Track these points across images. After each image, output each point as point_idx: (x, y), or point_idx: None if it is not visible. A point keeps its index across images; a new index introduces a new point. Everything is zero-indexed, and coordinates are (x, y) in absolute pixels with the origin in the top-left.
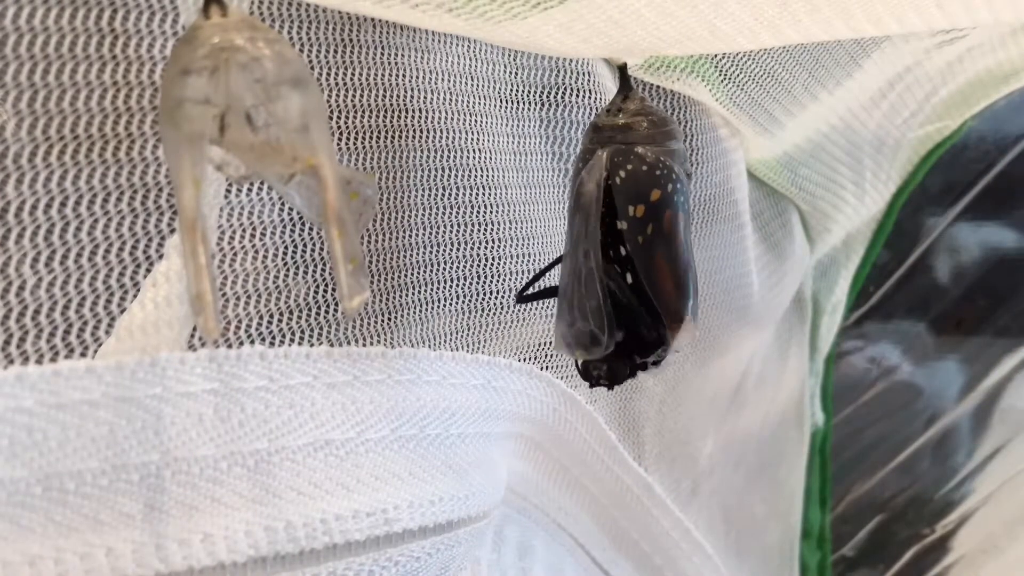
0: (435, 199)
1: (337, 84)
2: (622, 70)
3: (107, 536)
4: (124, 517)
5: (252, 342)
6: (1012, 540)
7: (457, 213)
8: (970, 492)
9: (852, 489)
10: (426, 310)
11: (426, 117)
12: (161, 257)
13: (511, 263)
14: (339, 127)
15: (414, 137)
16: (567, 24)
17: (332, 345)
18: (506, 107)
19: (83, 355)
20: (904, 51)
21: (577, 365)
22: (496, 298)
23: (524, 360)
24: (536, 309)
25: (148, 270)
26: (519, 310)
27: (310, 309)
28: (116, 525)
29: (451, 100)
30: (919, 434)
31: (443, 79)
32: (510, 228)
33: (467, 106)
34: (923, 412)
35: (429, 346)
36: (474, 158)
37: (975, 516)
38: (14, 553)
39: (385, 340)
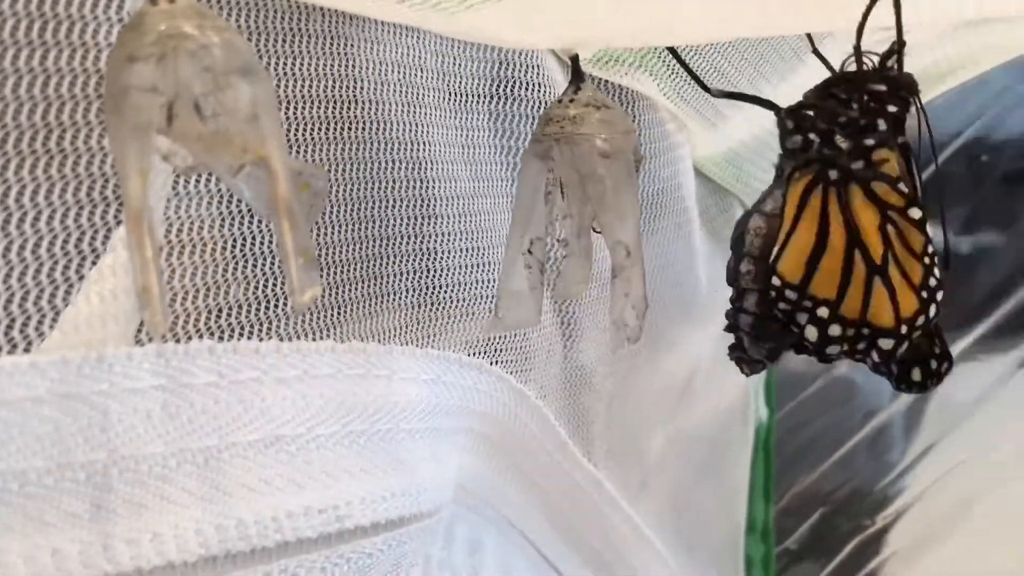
0: (385, 192)
1: (286, 74)
2: (574, 61)
3: (53, 537)
4: (70, 517)
5: (200, 337)
6: (948, 533)
7: (406, 206)
8: (905, 487)
9: (795, 483)
10: (376, 304)
11: (376, 109)
12: (107, 250)
13: (460, 257)
14: (288, 118)
15: (364, 129)
16: (520, 15)
17: (281, 340)
18: (455, 100)
19: (27, 351)
20: (847, 48)
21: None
22: (445, 292)
23: (473, 355)
24: (485, 303)
25: (94, 263)
26: (468, 304)
27: (259, 303)
28: (62, 525)
29: (401, 92)
30: (857, 429)
31: (393, 70)
32: (459, 221)
33: (417, 98)
34: (860, 408)
35: (378, 340)
36: (424, 151)
37: (911, 510)
38: (14, 553)
39: (335, 335)
